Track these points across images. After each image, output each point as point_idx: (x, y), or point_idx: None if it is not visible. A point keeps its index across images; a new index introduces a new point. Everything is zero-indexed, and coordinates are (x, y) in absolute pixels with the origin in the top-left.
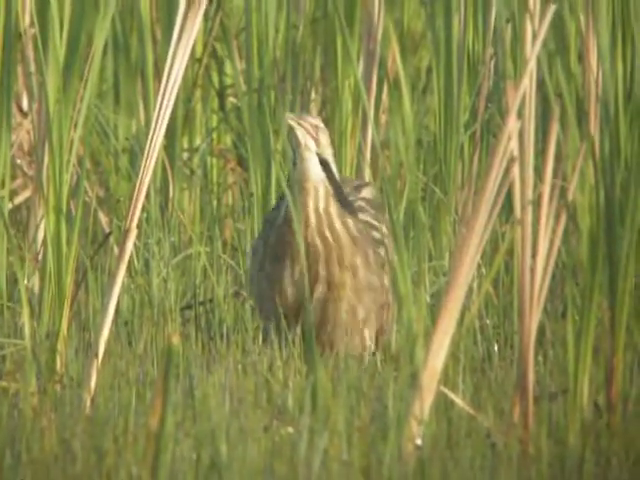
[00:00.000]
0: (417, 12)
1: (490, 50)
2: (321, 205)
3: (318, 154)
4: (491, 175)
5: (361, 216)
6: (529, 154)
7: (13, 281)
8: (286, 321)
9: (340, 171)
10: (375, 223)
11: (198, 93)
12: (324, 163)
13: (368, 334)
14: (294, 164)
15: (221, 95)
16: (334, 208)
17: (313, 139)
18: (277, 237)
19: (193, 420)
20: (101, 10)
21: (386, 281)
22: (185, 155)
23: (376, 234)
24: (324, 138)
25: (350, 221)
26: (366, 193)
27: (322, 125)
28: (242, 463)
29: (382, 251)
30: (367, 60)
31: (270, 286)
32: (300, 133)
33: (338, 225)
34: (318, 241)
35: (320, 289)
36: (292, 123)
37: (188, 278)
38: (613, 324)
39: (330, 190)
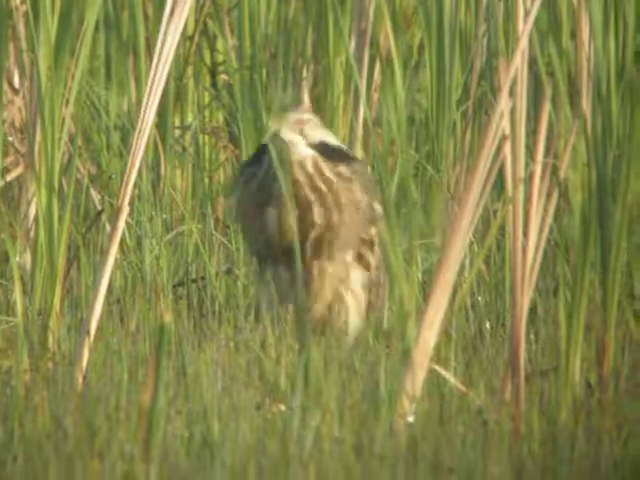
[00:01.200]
0: None
1: (482, 27)
2: (310, 170)
3: (308, 144)
4: (483, 153)
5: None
6: (521, 132)
7: (5, 258)
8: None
9: None
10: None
11: (190, 70)
12: (314, 145)
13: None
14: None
15: (213, 72)
16: (324, 164)
17: (300, 134)
18: (259, 188)
19: (185, 397)
20: None
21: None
22: (177, 132)
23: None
24: (311, 128)
25: (342, 168)
26: (357, 165)
27: (307, 116)
28: (234, 441)
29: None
30: (359, 37)
31: (253, 229)
32: (287, 136)
33: (331, 175)
34: (311, 195)
35: (316, 232)
36: (276, 129)
37: (180, 255)
38: (605, 302)
39: (318, 158)
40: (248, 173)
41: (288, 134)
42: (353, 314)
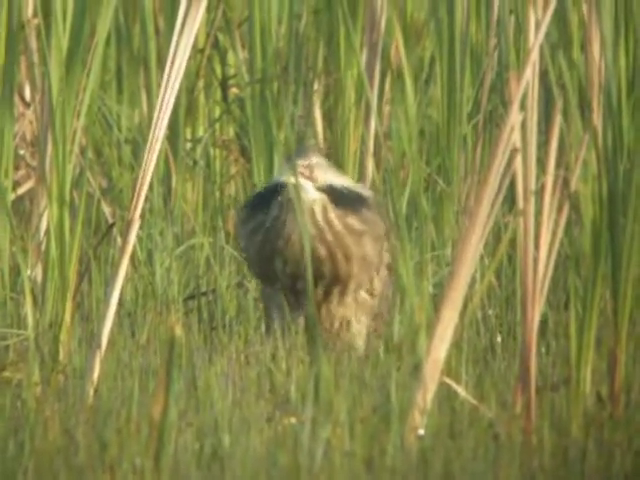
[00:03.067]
0: (420, 2)
1: (493, 41)
2: (320, 219)
3: (319, 188)
4: (494, 166)
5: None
6: (532, 145)
7: (16, 272)
8: (289, 299)
9: (343, 162)
10: (376, 217)
11: (201, 84)
12: (323, 188)
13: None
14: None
15: (224, 86)
16: (333, 214)
17: (309, 180)
18: (265, 239)
19: (196, 410)
20: (104, 0)
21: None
22: (188, 146)
23: (368, 213)
24: (320, 172)
25: (352, 220)
26: (364, 191)
27: (315, 160)
28: (245, 453)
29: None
30: (370, 51)
31: (263, 269)
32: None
33: (340, 229)
34: (322, 248)
35: (325, 282)
36: (288, 180)
37: (191, 269)
38: (616, 315)
39: (328, 203)
40: (253, 222)
41: (297, 180)
42: (359, 339)
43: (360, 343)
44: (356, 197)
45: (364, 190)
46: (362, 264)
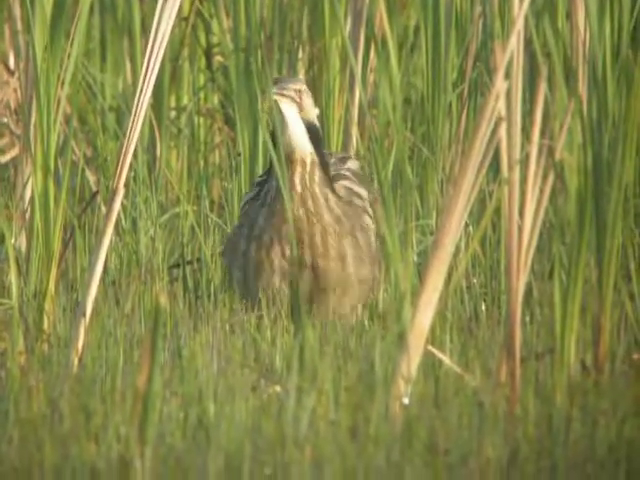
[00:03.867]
0: None
1: (478, 9)
2: (307, 176)
3: (303, 118)
4: (479, 134)
5: (344, 182)
6: (517, 113)
7: (0, 240)
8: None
9: (327, 131)
10: (357, 190)
11: (185, 52)
12: (311, 129)
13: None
14: (278, 134)
15: (208, 54)
16: (317, 175)
17: (297, 104)
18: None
19: (181, 379)
20: None
21: (377, 272)
22: (172, 114)
23: (358, 201)
24: (308, 100)
25: (331, 197)
26: (351, 164)
27: (305, 87)
28: (230, 422)
29: (372, 237)
30: (354, 19)
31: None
32: (285, 105)
33: (321, 197)
34: (302, 213)
35: (306, 276)
36: (277, 97)
37: (175, 237)
38: (600, 283)
39: (316, 160)
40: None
41: (288, 105)
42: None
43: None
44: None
45: (351, 162)
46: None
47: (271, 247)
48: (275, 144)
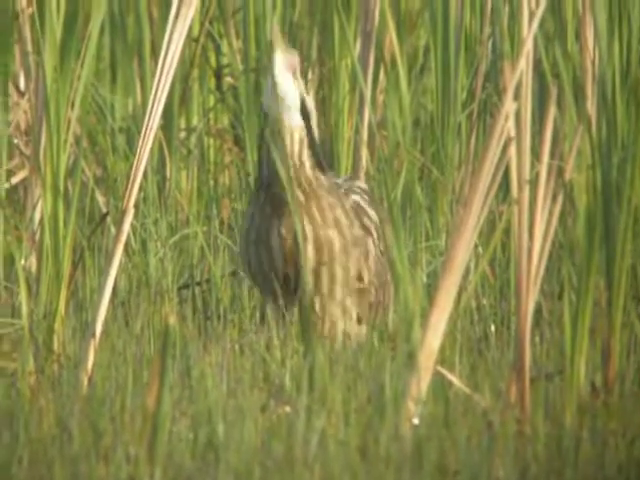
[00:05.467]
0: None
1: (487, 30)
2: (295, 149)
3: (300, 94)
4: (488, 155)
5: (354, 197)
6: (526, 134)
7: (10, 261)
8: (283, 295)
9: (337, 151)
10: (367, 209)
11: (195, 73)
12: (303, 106)
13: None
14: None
15: (218, 75)
16: (306, 157)
17: (293, 70)
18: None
19: (190, 400)
20: None
21: (371, 245)
22: (182, 135)
23: (366, 220)
24: (300, 83)
25: (321, 176)
26: (360, 184)
27: (297, 62)
28: (239, 442)
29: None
30: (364, 40)
31: (257, 251)
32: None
33: (310, 174)
34: (296, 187)
35: (310, 250)
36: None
37: (185, 258)
38: (610, 304)
39: (305, 139)
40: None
41: (282, 71)
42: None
43: (353, 335)
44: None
45: (360, 182)
46: (340, 231)
47: (270, 229)
48: (266, 116)
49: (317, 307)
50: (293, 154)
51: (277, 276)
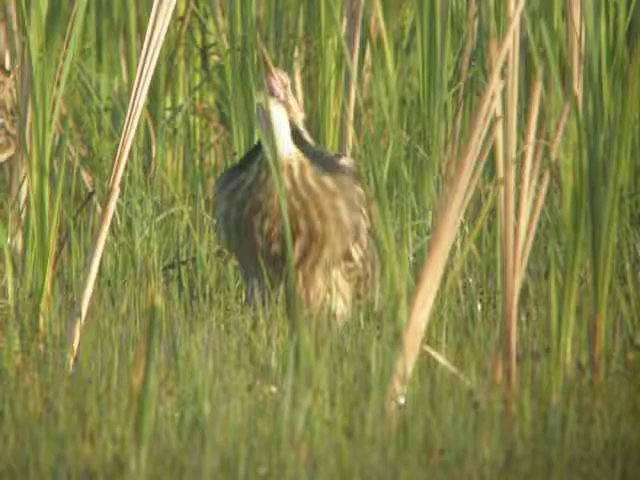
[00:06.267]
0: None
1: (473, 8)
2: (297, 177)
3: (290, 121)
4: (474, 134)
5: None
6: (512, 113)
7: None
8: (267, 270)
9: (323, 130)
10: (351, 182)
11: (181, 52)
12: (296, 133)
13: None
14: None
15: (204, 54)
16: (309, 173)
17: (284, 104)
18: (245, 196)
19: (176, 379)
20: None
21: (364, 222)
22: (168, 114)
23: (344, 179)
24: (293, 101)
25: (327, 178)
26: (344, 161)
27: (289, 83)
28: (225, 422)
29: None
30: (350, 19)
31: (237, 237)
32: (273, 105)
33: (315, 186)
34: (296, 203)
35: (301, 241)
36: (265, 98)
37: (171, 237)
38: (596, 283)
39: (304, 161)
40: (234, 182)
41: (273, 102)
42: (340, 305)
43: (339, 315)
44: (331, 161)
45: (344, 159)
46: (337, 226)
47: (250, 219)
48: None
49: (301, 281)
50: (294, 178)
51: (261, 252)
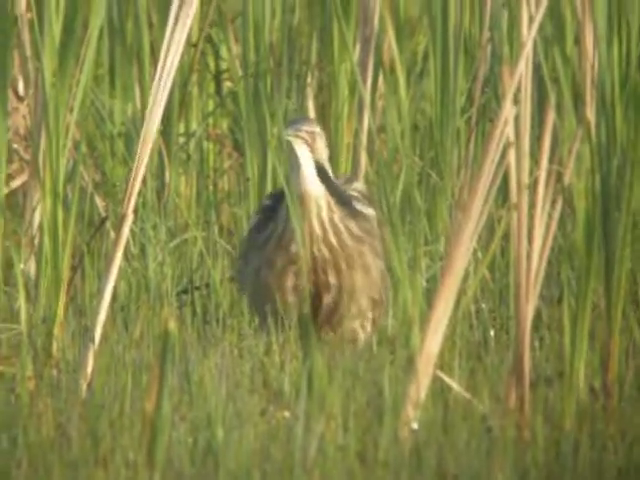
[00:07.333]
0: None
1: (486, 35)
2: (325, 216)
3: (315, 161)
4: (487, 160)
5: (355, 205)
6: (525, 138)
7: (9, 265)
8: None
9: (336, 156)
10: (366, 211)
11: (194, 78)
12: (321, 170)
13: (370, 315)
14: (290, 174)
15: (217, 79)
16: (337, 216)
17: (309, 147)
18: (277, 246)
19: (189, 404)
20: None
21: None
22: (181, 140)
23: (367, 225)
24: (320, 143)
25: (352, 224)
26: (357, 185)
27: (318, 129)
28: (238, 447)
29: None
30: (363, 45)
31: (267, 293)
32: (298, 148)
33: (344, 231)
34: (325, 250)
35: (330, 296)
36: (290, 139)
37: (184, 263)
38: (609, 308)
39: (331, 200)
40: (267, 231)
41: (301, 148)
42: (367, 329)
43: (362, 337)
44: (349, 202)
45: (357, 184)
46: (364, 275)
47: (284, 275)
48: (289, 187)
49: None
50: (323, 220)
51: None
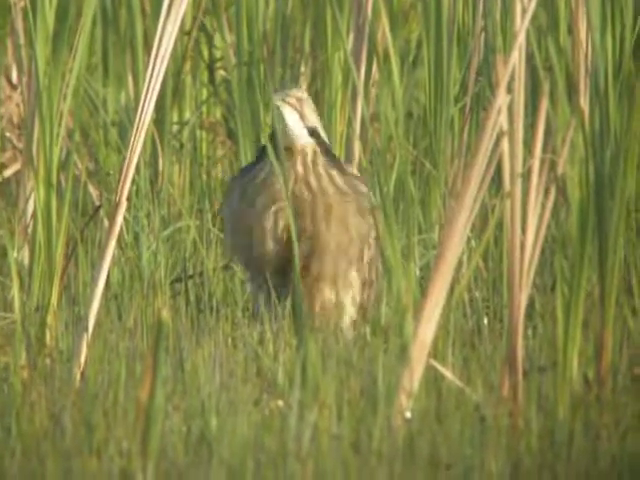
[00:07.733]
0: None
1: (480, 23)
2: (309, 160)
3: (307, 127)
4: (481, 148)
5: (348, 168)
6: (519, 127)
7: (3, 254)
8: (272, 280)
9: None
10: (360, 183)
11: (187, 66)
12: (311, 131)
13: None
14: (280, 137)
15: (211, 68)
16: (321, 162)
17: (298, 113)
18: (260, 189)
19: (183, 393)
20: None
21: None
22: (175, 128)
23: (356, 187)
24: (308, 109)
25: (337, 177)
26: (352, 169)
27: (305, 95)
28: (232, 436)
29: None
30: (357, 33)
31: (247, 237)
32: (287, 112)
33: (325, 176)
34: (305, 190)
35: (304, 245)
36: (279, 103)
37: (178, 251)
38: (603, 297)
39: (318, 150)
40: (246, 178)
41: (290, 113)
42: (348, 304)
43: (348, 323)
44: (343, 166)
45: (352, 168)
46: (342, 231)
47: (264, 215)
48: (274, 144)
49: (306, 293)
50: (306, 162)
51: (269, 261)
